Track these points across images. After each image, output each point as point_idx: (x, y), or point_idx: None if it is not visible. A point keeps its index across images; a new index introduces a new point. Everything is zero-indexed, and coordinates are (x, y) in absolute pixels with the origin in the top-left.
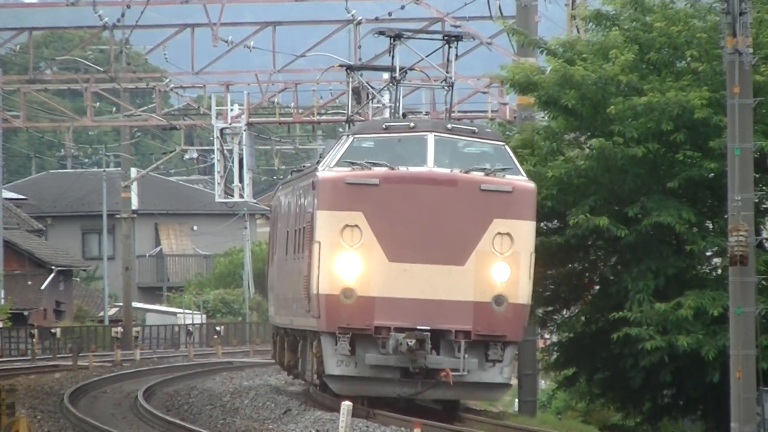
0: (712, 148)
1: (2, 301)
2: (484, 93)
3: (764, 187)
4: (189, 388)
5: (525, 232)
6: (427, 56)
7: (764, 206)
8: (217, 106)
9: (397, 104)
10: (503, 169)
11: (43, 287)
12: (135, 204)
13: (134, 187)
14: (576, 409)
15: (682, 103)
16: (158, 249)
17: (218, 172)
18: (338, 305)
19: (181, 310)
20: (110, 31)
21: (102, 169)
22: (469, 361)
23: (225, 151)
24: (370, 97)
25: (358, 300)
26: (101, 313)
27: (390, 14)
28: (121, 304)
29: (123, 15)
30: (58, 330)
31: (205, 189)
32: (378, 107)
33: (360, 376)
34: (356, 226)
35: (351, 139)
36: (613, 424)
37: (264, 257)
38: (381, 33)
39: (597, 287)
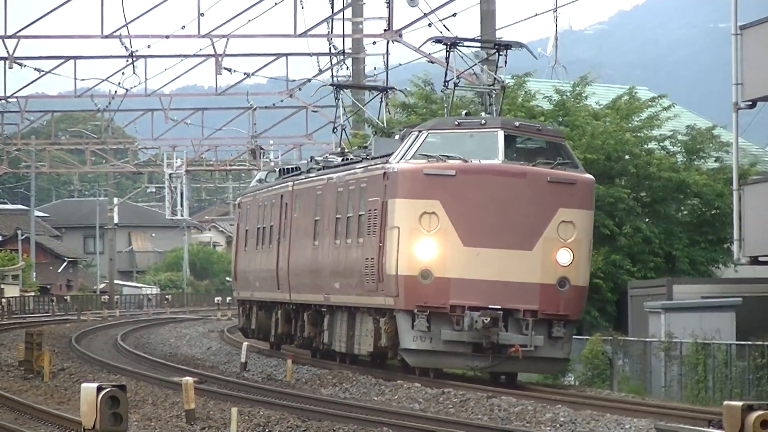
0: None
1: (34, 279)
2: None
3: None
4: (149, 334)
5: (586, 220)
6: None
7: None
8: (167, 159)
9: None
10: (564, 163)
11: (59, 271)
12: (116, 220)
13: (116, 209)
14: None
15: None
16: (131, 248)
17: (168, 200)
18: (417, 285)
19: (144, 285)
20: (102, 113)
21: (96, 198)
22: (535, 337)
23: (171, 187)
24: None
25: (435, 281)
26: (95, 287)
27: (274, 104)
28: (107, 281)
29: (109, 103)
30: (69, 297)
31: (160, 211)
32: (267, 161)
33: (434, 350)
34: (434, 213)
35: (425, 134)
36: None
37: (195, 253)
38: (438, 41)
39: None
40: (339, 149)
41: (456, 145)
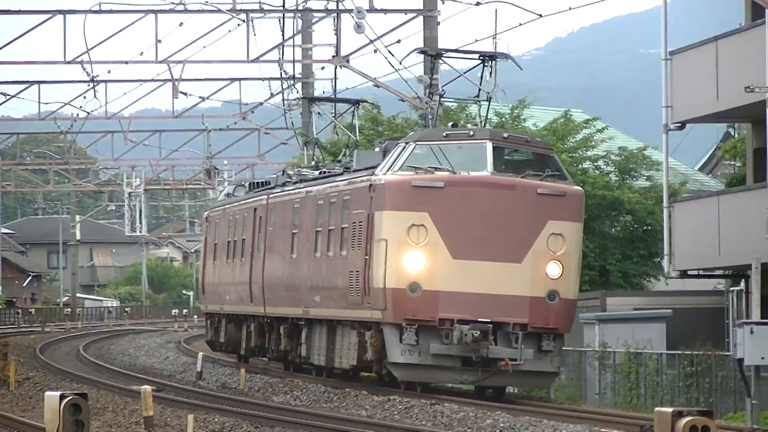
0: None
1: (0, 292)
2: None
3: None
4: (109, 344)
5: (575, 233)
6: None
7: None
8: (127, 179)
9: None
10: (553, 175)
11: (24, 284)
12: (78, 236)
13: (78, 227)
14: None
15: None
16: (92, 263)
17: (127, 218)
18: (405, 298)
19: (105, 299)
20: (65, 135)
21: (59, 216)
22: (525, 351)
23: (131, 205)
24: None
25: (423, 294)
26: (58, 300)
27: (228, 127)
28: (70, 295)
29: (71, 125)
30: (33, 310)
31: (120, 228)
32: (221, 180)
33: (423, 364)
34: (422, 225)
35: (413, 145)
36: None
37: (153, 268)
38: (423, 52)
39: None
40: (313, 162)
41: (444, 156)
